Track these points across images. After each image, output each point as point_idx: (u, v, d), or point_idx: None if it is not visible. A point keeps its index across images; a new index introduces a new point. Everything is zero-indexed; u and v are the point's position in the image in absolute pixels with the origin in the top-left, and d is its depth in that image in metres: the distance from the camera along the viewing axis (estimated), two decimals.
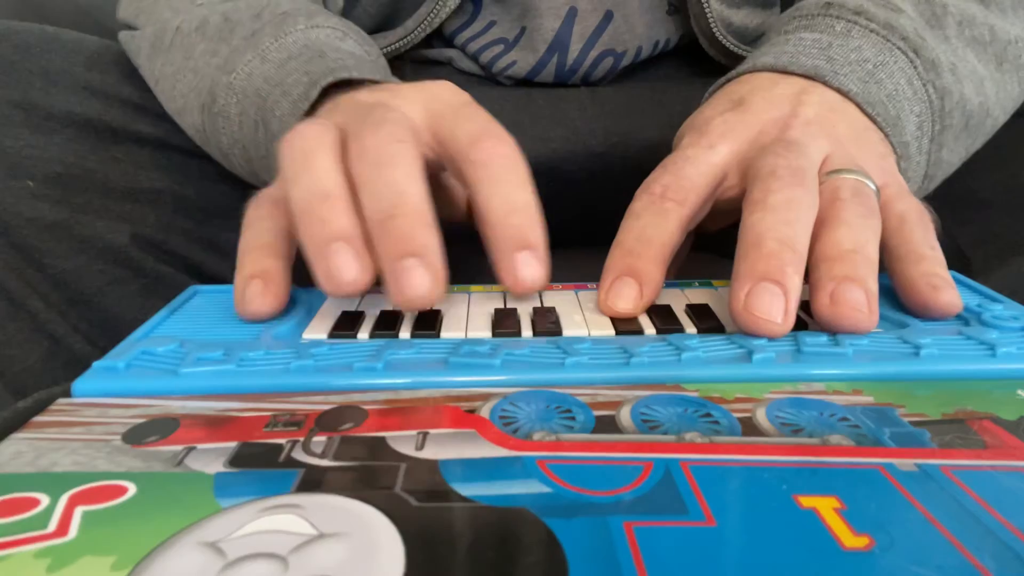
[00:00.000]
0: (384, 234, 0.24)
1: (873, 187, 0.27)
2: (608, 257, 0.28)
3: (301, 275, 0.27)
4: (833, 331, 0.24)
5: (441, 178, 0.33)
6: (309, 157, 0.25)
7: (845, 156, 0.28)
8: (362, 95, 0.29)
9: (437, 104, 0.28)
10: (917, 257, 0.27)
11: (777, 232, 0.24)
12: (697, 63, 0.50)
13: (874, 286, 0.24)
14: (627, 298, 0.26)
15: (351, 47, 0.36)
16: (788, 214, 0.25)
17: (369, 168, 0.25)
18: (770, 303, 0.23)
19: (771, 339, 0.24)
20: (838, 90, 0.30)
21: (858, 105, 0.30)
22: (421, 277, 0.23)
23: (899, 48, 0.31)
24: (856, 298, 0.24)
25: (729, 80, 0.33)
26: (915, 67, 0.31)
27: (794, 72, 0.31)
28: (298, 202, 0.25)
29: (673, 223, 0.28)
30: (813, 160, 0.28)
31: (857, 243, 0.25)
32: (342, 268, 0.24)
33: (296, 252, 0.27)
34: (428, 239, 0.24)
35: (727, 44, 0.46)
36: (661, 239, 0.27)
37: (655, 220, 0.28)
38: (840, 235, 0.25)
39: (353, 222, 0.25)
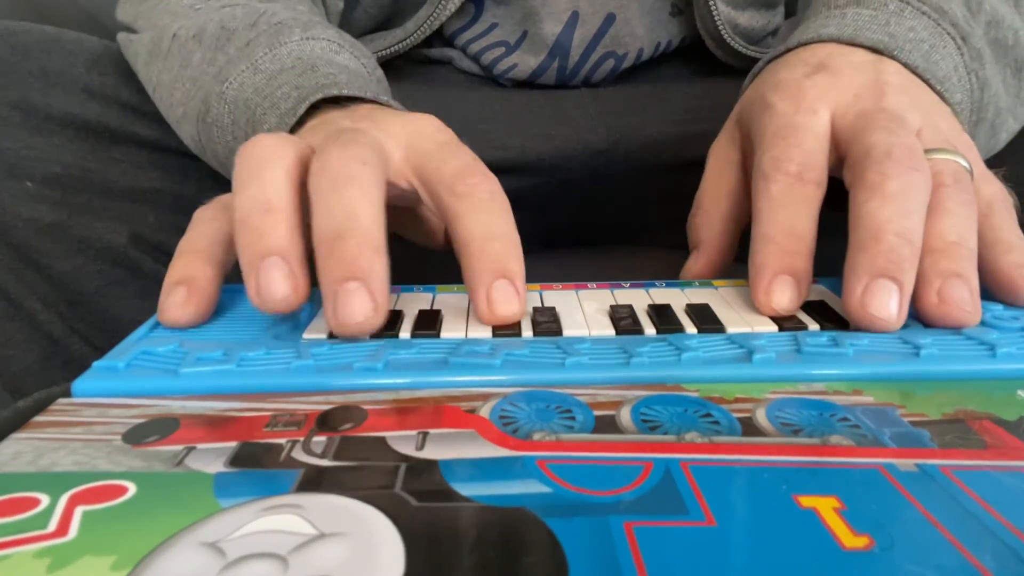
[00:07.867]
0: (329, 254, 0.23)
1: (967, 167, 0.27)
2: (757, 251, 0.27)
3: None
4: (936, 326, 0.24)
5: (418, 211, 0.33)
6: (261, 167, 0.25)
7: (937, 133, 0.28)
8: (345, 121, 0.28)
9: (420, 140, 0.28)
10: (1007, 247, 0.26)
11: (896, 224, 0.24)
12: (698, 63, 0.50)
13: (976, 281, 0.24)
14: (790, 298, 0.26)
15: (346, 60, 0.36)
16: (907, 203, 0.24)
17: (326, 184, 0.24)
18: (887, 301, 0.23)
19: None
20: (905, 65, 0.30)
21: (925, 81, 0.30)
22: (361, 303, 0.23)
23: (949, 33, 0.31)
24: (962, 296, 0.24)
25: (789, 49, 0.32)
26: (962, 54, 0.31)
27: (861, 44, 0.30)
28: (239, 211, 0.24)
29: (816, 210, 0.27)
30: (914, 136, 0.27)
31: (961, 234, 0.25)
32: (271, 284, 0.23)
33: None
34: (374, 264, 0.23)
35: (735, 45, 0.46)
36: (812, 232, 0.26)
37: (802, 210, 0.27)
38: (945, 226, 0.25)
39: (291, 237, 0.24)
